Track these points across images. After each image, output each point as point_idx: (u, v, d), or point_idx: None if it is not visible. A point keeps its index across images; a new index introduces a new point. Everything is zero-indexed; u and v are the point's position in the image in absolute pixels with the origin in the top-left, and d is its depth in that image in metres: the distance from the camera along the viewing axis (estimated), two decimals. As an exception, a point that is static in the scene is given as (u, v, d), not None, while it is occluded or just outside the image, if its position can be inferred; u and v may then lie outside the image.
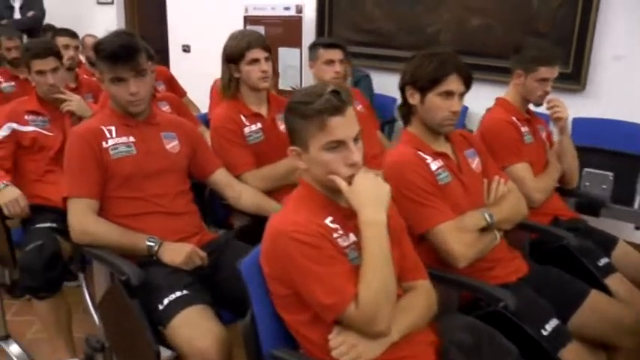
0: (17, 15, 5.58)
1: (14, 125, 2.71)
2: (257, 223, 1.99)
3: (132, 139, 2.13)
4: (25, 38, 4.43)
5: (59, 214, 2.56)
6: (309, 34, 4.87)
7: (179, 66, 5.74)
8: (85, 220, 2.01)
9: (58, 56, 2.78)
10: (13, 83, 4.17)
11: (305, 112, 1.49)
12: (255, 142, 2.52)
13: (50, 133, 2.76)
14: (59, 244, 2.43)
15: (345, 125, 1.48)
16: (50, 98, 2.78)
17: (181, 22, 5.87)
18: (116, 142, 2.10)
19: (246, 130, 2.50)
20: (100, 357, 2.16)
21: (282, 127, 2.59)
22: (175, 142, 2.23)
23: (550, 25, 3.99)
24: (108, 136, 2.10)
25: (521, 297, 1.80)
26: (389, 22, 4.65)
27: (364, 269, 1.45)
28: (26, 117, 2.76)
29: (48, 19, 5.69)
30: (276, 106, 2.62)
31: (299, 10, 4.82)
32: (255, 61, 2.46)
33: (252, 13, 5.08)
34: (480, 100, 4.36)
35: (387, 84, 4.48)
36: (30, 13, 5.56)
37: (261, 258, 1.56)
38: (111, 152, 2.07)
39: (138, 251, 2.00)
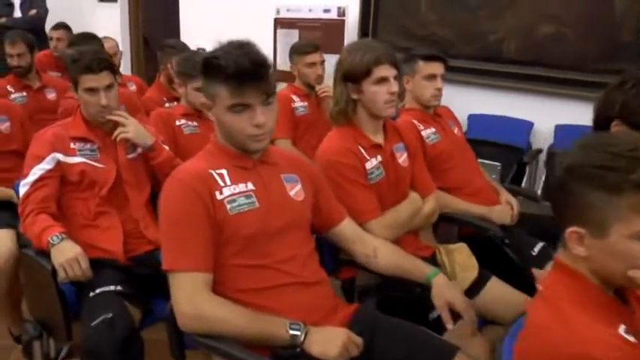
0: (18, 13, 4.93)
1: (59, 156, 2.14)
2: (390, 284, 1.84)
3: (251, 186, 1.61)
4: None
5: (122, 271, 2.04)
6: (351, 39, 4.37)
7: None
8: (198, 301, 1.47)
9: (113, 70, 2.22)
10: (24, 94, 3.58)
11: (617, 182, 1.01)
12: (376, 181, 2.01)
13: (101, 165, 2.19)
14: (131, 314, 1.89)
15: None
16: (99, 122, 2.22)
17: (196, 22, 5.30)
18: (233, 191, 1.57)
19: (367, 165, 1.99)
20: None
21: (400, 159, 2.10)
22: (299, 187, 1.71)
23: (635, 35, 3.58)
24: (221, 183, 1.57)
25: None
26: (445, 28, 4.19)
27: None
28: (72, 145, 2.19)
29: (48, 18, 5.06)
30: (393, 134, 2.12)
31: (341, 12, 4.32)
32: (384, 80, 1.95)
33: (284, 15, 4.57)
34: (547, 115, 3.99)
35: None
36: (32, 12, 4.93)
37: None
38: (228, 206, 1.55)
39: (275, 341, 1.47)
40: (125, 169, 2.23)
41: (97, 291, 1.93)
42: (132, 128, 2.23)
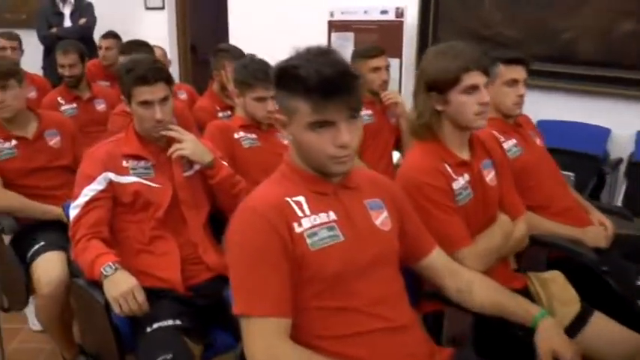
0: (68, 22, 4.86)
1: (111, 175, 1.97)
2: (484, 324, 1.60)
3: (332, 215, 1.39)
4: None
5: (180, 303, 1.86)
6: (409, 42, 4.13)
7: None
8: (277, 352, 1.26)
9: (169, 80, 2.04)
10: (74, 105, 3.46)
11: None
12: (464, 203, 1.77)
13: (156, 185, 2.01)
14: (191, 352, 1.71)
15: None
16: (153, 137, 2.05)
17: (246, 28, 5.13)
18: (313, 222, 1.36)
19: (455, 185, 1.75)
20: None
21: (488, 177, 1.86)
22: (385, 215, 1.48)
23: None
24: (299, 213, 1.36)
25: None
26: (512, 28, 3.91)
27: None
28: (124, 163, 2.02)
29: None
30: (479, 149, 1.88)
31: (399, 13, 4.08)
32: (474, 88, 1.71)
33: (338, 17, 4.36)
34: (626, 120, 3.66)
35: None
36: (82, 21, 4.85)
37: None
38: (308, 241, 1.33)
39: None
40: (182, 188, 2.05)
41: (155, 326, 1.75)
42: (189, 145, 2.04)
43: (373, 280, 1.38)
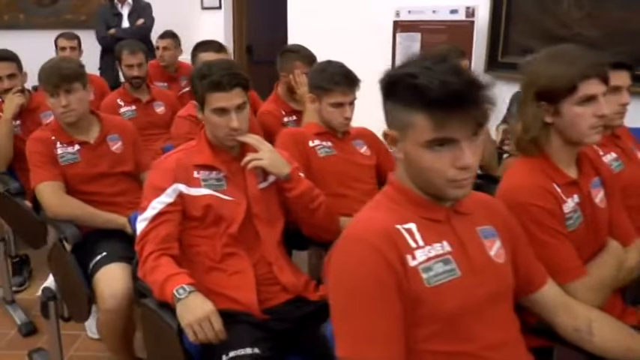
0: (126, 23, 4.80)
1: (182, 187, 1.84)
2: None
3: (447, 246, 1.21)
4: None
5: (257, 328, 1.72)
6: (480, 43, 3.91)
7: (302, 82, 4.82)
8: None
9: (246, 87, 1.89)
10: (133, 107, 3.37)
11: None
12: (574, 228, 1.56)
13: (228, 197, 1.87)
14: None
15: None
16: (226, 146, 1.91)
17: (307, 29, 4.95)
18: (428, 254, 1.19)
19: (565, 208, 1.55)
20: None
21: (597, 198, 1.65)
22: (498, 244, 1.30)
23: None
24: (412, 244, 1.19)
25: None
26: (592, 28, 3.62)
27: None
28: (195, 174, 1.88)
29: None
30: (588, 166, 1.67)
31: (470, 13, 3.86)
32: (591, 99, 1.50)
33: (405, 17, 4.14)
34: None
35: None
36: (140, 22, 4.78)
37: None
38: (424, 276, 1.16)
39: None
40: (256, 201, 1.90)
41: (231, 354, 1.60)
42: (267, 154, 1.89)
43: (490, 320, 1.20)
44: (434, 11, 4.00)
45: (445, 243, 1.21)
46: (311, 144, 2.31)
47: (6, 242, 3.13)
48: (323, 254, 2.23)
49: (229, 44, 5.63)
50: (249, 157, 1.88)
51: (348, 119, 2.28)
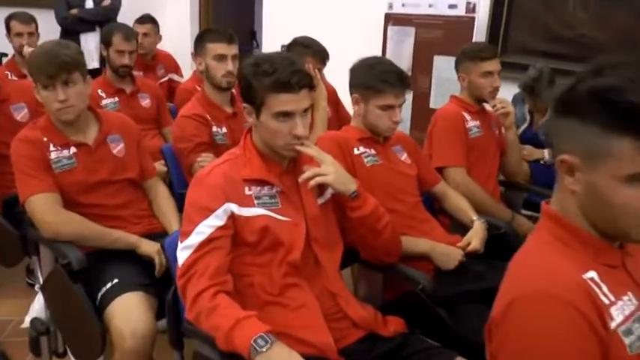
0: (90, 3, 4.28)
1: (233, 207, 1.53)
2: None
3: (634, 299, 1.01)
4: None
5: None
6: (480, 40, 3.72)
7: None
8: None
9: (313, 87, 1.58)
10: (116, 99, 2.98)
11: None
12: None
13: (284, 218, 1.58)
14: None
15: None
16: (280, 156, 1.61)
17: (283, 16, 4.65)
18: (623, 312, 0.98)
19: None
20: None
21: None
22: None
23: None
24: (604, 299, 0.97)
25: None
26: (597, 29, 3.51)
27: None
28: (247, 190, 1.57)
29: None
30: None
31: (471, 8, 3.66)
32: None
33: (398, 10, 3.91)
34: None
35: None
36: (106, 2, 4.28)
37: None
38: (626, 342, 0.95)
39: None
40: (315, 222, 1.62)
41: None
42: (331, 169, 1.61)
43: None
44: (430, 5, 3.79)
45: (631, 295, 0.99)
46: (356, 151, 2.02)
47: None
48: (371, 275, 1.99)
49: (195, 29, 5.22)
50: (311, 171, 1.59)
51: (397, 123, 2.02)
